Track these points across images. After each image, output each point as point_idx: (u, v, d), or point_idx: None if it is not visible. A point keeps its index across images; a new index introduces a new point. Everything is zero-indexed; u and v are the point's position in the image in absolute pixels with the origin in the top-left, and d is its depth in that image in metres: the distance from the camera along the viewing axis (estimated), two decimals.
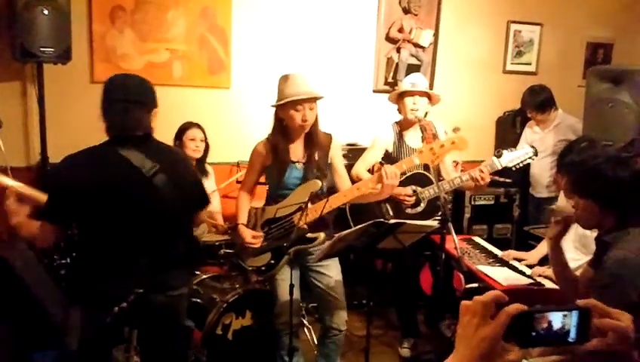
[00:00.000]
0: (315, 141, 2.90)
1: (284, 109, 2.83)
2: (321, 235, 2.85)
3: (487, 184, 3.24)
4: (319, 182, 2.84)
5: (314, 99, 2.82)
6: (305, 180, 2.89)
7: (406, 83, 3.49)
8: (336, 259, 3.02)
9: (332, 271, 3.00)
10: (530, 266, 3.06)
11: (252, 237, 2.92)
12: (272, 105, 2.90)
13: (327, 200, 2.80)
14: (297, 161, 2.92)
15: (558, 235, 2.25)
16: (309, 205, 2.73)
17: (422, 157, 2.80)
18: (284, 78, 2.85)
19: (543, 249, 3.17)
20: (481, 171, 3.18)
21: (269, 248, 2.94)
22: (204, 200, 2.48)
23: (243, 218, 3.01)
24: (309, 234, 2.84)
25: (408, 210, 3.41)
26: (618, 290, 1.85)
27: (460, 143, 2.80)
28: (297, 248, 2.86)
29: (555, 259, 2.28)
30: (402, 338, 3.80)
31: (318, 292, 3.02)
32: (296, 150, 2.93)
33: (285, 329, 2.90)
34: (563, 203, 3.10)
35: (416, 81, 3.45)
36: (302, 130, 2.86)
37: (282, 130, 2.90)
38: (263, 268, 2.96)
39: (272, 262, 2.94)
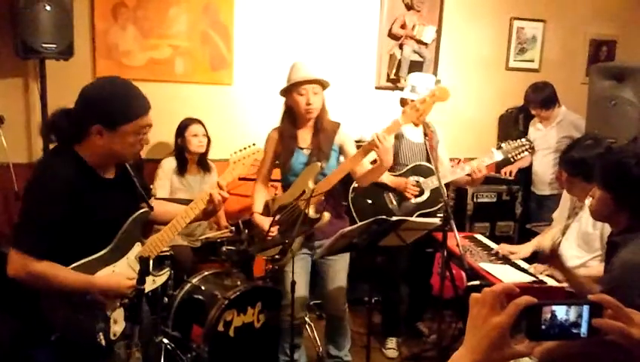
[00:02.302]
0: (322, 128, 2.98)
1: (290, 95, 2.92)
2: (326, 215, 2.87)
3: (483, 177, 3.35)
4: (318, 164, 2.90)
5: (315, 82, 2.89)
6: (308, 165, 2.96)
7: (409, 83, 3.58)
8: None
9: (337, 262, 3.06)
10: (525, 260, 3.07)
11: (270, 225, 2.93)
12: (280, 92, 2.98)
13: (327, 178, 2.85)
14: (305, 148, 2.99)
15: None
16: (312, 185, 2.81)
17: (406, 116, 2.77)
18: (291, 67, 2.96)
19: (533, 243, 3.18)
20: (479, 164, 3.30)
21: (282, 235, 2.97)
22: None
23: (258, 208, 3.07)
24: (313, 215, 2.84)
25: (412, 200, 3.45)
26: (622, 294, 1.83)
27: (441, 94, 2.82)
28: (303, 230, 2.84)
29: None
30: (385, 338, 3.75)
31: (321, 278, 3.10)
32: (305, 137, 3.01)
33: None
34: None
35: (416, 85, 3.49)
36: (308, 115, 2.92)
37: (291, 117, 3.00)
38: (277, 257, 2.97)
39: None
